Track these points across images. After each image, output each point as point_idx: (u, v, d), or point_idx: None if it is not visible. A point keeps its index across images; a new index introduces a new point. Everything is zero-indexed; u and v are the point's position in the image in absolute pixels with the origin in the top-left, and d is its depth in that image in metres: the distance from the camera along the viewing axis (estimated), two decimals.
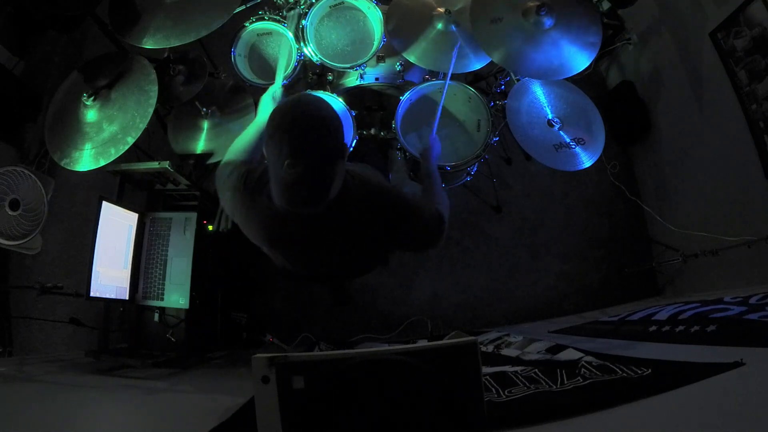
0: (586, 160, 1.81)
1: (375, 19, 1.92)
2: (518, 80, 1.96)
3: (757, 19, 1.85)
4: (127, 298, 1.91)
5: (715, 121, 2.17)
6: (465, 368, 0.84)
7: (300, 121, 1.00)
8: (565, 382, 1.20)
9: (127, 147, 1.65)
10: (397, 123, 1.86)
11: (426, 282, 2.62)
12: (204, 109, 1.95)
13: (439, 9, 1.89)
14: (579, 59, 1.74)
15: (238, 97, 2.01)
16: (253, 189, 1.16)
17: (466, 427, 0.84)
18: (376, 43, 1.88)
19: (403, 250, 1.34)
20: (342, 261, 1.30)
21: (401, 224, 1.21)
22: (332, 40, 1.96)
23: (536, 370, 1.31)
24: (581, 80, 2.16)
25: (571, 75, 1.74)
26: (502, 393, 1.16)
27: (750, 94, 1.94)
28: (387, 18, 1.88)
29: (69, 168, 1.70)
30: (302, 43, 1.93)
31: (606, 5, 2.49)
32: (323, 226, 1.15)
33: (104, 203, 1.82)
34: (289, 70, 1.88)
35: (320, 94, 1.91)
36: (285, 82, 1.98)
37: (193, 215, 2.00)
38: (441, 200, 1.38)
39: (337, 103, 1.88)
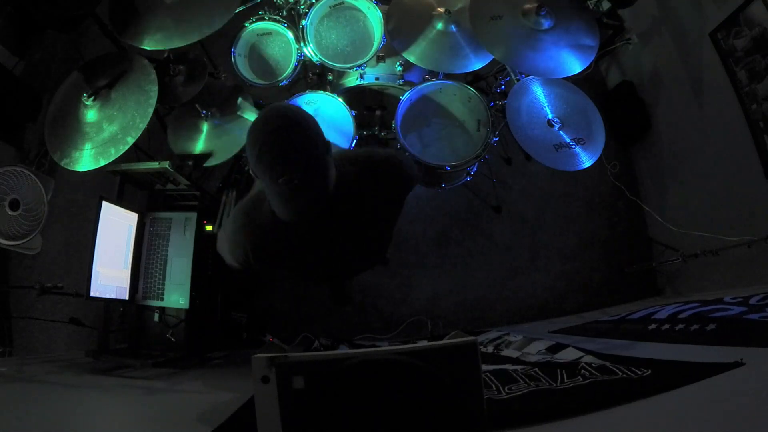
0: (586, 160, 1.81)
1: (375, 19, 1.92)
2: (518, 80, 1.96)
3: (757, 19, 1.85)
4: (127, 298, 1.91)
5: (715, 121, 2.17)
6: (465, 368, 0.84)
7: (278, 135, 0.98)
8: (566, 380, 1.20)
9: (127, 147, 1.65)
10: (397, 123, 1.86)
11: (426, 282, 2.62)
12: (204, 112, 1.94)
13: (439, 9, 1.89)
14: (575, 62, 1.76)
15: (238, 98, 2.01)
16: (251, 212, 1.18)
17: (466, 427, 0.84)
18: (376, 43, 1.88)
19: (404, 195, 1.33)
20: (355, 245, 1.30)
21: (395, 174, 1.23)
22: (332, 40, 1.96)
23: (536, 368, 1.31)
24: (581, 80, 2.16)
25: (566, 76, 1.76)
26: (502, 390, 1.16)
27: (750, 94, 1.94)
28: (387, 18, 1.88)
29: (69, 168, 1.70)
30: (302, 43, 1.93)
31: (606, 5, 2.49)
32: (332, 216, 1.15)
33: (104, 203, 1.82)
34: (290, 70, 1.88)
35: (320, 94, 1.91)
36: (285, 82, 1.98)
37: (193, 215, 2.00)
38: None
39: (337, 103, 1.89)
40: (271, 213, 1.12)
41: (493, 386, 1.19)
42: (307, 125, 1.02)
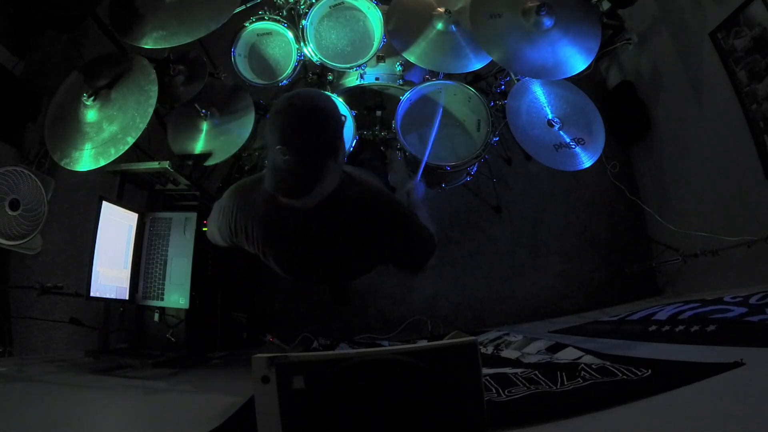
0: (586, 160, 1.81)
1: (375, 19, 1.92)
2: (518, 80, 1.96)
3: (757, 19, 1.85)
4: (127, 298, 1.91)
5: (715, 121, 2.17)
6: (465, 368, 0.84)
7: (297, 110, 1.00)
8: (565, 383, 1.20)
9: (127, 147, 1.65)
10: (397, 123, 1.86)
11: (426, 282, 2.62)
12: (203, 111, 1.95)
13: (439, 9, 1.89)
14: (575, 62, 1.75)
15: (237, 98, 2.01)
16: (249, 190, 1.20)
17: (466, 427, 0.84)
18: (376, 43, 1.88)
19: (393, 261, 1.30)
20: (337, 261, 1.30)
21: (394, 230, 1.19)
22: (332, 40, 1.96)
23: (536, 372, 1.31)
24: (581, 80, 2.15)
25: (565, 76, 1.75)
26: (502, 393, 1.16)
27: (750, 94, 1.94)
28: (387, 18, 1.88)
29: (69, 168, 1.70)
30: (302, 43, 1.93)
31: (606, 5, 2.49)
32: (319, 224, 1.15)
33: (104, 203, 1.82)
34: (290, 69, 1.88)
35: None
36: (285, 82, 1.98)
37: (193, 215, 2.00)
38: (429, 225, 1.34)
39: (337, 103, 1.89)
40: (264, 191, 1.13)
41: (493, 390, 1.19)
42: (323, 122, 1.03)
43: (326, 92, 1.91)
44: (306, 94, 1.04)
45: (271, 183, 1.08)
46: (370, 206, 1.17)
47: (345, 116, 1.84)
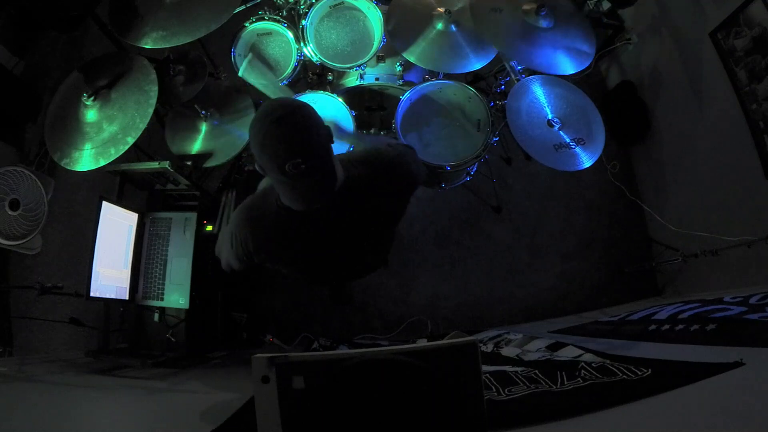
0: (586, 160, 1.81)
1: (375, 19, 1.92)
2: (518, 80, 1.96)
3: (757, 19, 1.85)
4: (127, 298, 1.91)
5: (715, 121, 2.17)
6: (465, 368, 0.84)
7: (281, 123, 1.00)
8: (565, 382, 1.20)
9: (127, 147, 1.65)
10: (397, 123, 1.86)
11: (426, 282, 2.62)
12: (203, 112, 1.94)
13: (439, 9, 1.89)
14: (569, 64, 1.79)
15: (237, 98, 2.01)
16: (257, 208, 1.19)
17: (466, 427, 0.84)
18: (376, 43, 1.88)
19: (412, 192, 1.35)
20: (366, 246, 1.31)
21: (405, 175, 1.24)
22: (332, 40, 1.96)
23: (536, 371, 1.31)
24: (581, 80, 2.16)
25: (559, 74, 1.79)
26: (502, 391, 1.16)
27: (750, 94, 1.94)
28: (387, 18, 1.88)
29: (69, 168, 1.70)
30: (302, 43, 1.93)
31: (606, 5, 2.49)
32: (346, 212, 1.16)
33: (104, 203, 1.82)
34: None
35: (320, 94, 1.91)
36: (285, 82, 1.98)
37: (193, 215, 2.00)
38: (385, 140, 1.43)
39: (337, 103, 1.89)
40: (278, 206, 1.13)
41: (493, 388, 1.19)
42: (307, 112, 1.03)
43: (317, 93, 1.92)
44: (277, 105, 1.03)
45: (302, 201, 1.08)
46: (380, 174, 1.19)
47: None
